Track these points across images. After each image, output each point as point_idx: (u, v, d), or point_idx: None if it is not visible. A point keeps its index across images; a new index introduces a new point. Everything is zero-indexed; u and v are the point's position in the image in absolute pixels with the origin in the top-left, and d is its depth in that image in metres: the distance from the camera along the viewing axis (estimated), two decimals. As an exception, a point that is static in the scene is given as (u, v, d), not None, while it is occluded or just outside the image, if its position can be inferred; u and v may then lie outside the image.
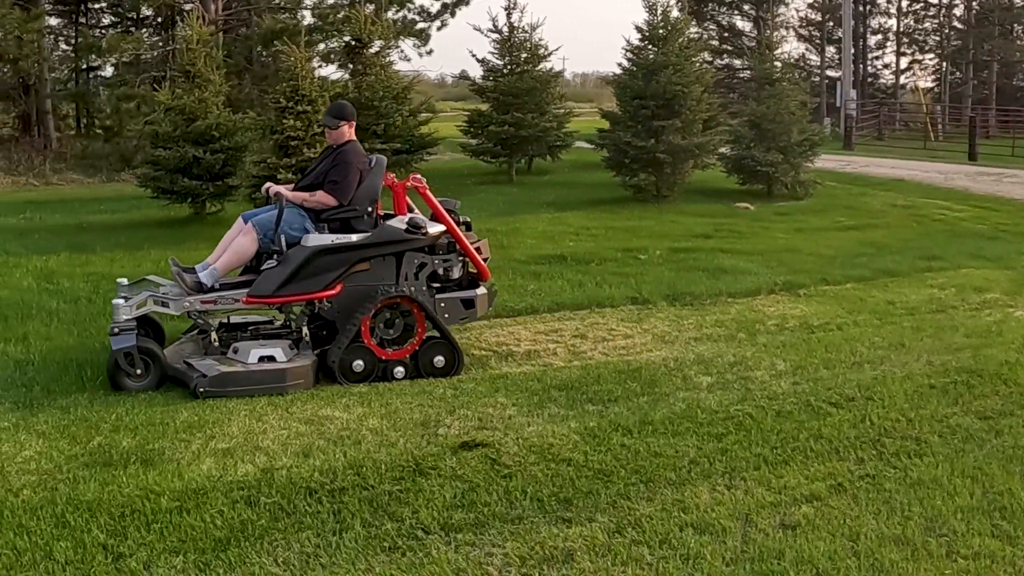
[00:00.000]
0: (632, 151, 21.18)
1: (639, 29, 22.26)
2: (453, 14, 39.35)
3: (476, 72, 29.39)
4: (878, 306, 11.53)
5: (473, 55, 30.02)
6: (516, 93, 25.70)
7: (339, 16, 31.50)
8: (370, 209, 9.23)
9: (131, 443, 7.07)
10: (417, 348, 9.02)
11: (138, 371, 8.62)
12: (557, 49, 35.88)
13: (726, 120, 25.94)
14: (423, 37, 39.19)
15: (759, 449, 6.78)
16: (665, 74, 20.95)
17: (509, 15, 26.63)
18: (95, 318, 11.01)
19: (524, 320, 10.95)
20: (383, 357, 8.92)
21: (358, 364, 8.83)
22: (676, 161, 21.25)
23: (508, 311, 11.15)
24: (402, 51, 41.25)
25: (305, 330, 9.10)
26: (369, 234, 9.03)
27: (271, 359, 8.64)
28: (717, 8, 57.95)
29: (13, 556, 5.45)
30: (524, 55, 26.38)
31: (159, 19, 40.34)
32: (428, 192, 9.50)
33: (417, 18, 39.00)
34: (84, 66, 41.96)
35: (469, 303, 9.34)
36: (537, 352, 9.68)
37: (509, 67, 26.47)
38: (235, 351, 8.81)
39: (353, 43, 25.16)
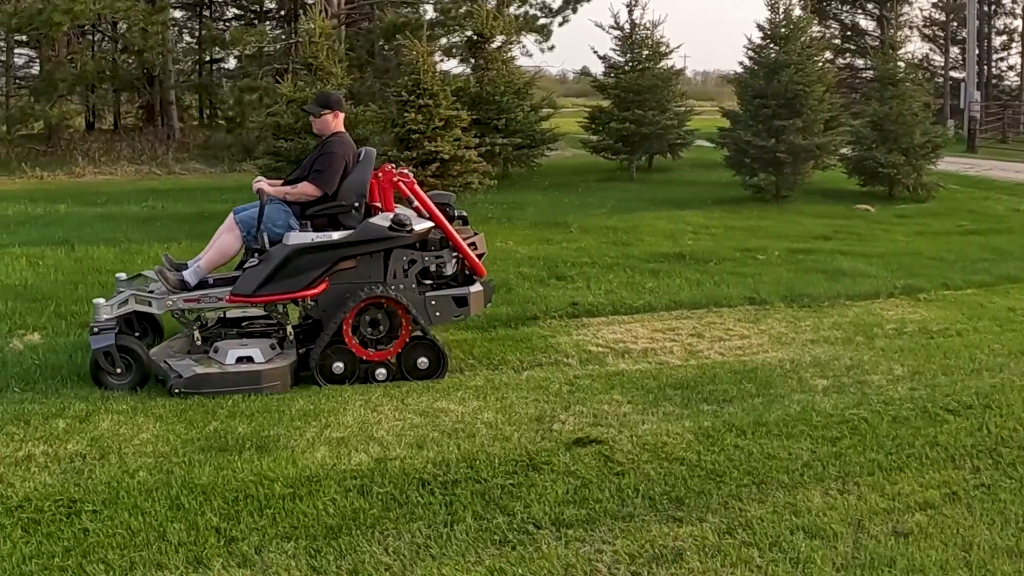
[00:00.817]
0: (752, 150, 21.03)
1: (761, 27, 22.11)
2: (575, 10, 39.25)
3: (597, 68, 29.28)
4: (999, 312, 11.32)
5: (595, 51, 29.98)
6: (637, 90, 25.62)
7: (461, 11, 31.59)
8: (357, 204, 8.98)
9: (247, 429, 7.18)
10: (400, 350, 8.80)
11: (118, 370, 8.57)
12: (679, 47, 35.80)
13: (847, 120, 25.62)
14: (545, 33, 39.16)
15: (873, 454, 6.68)
16: (787, 73, 20.76)
17: (631, 11, 26.57)
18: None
19: (641, 318, 10.90)
20: (365, 358, 8.71)
21: (338, 366, 8.66)
22: (796, 161, 21.05)
23: (626, 308, 11.12)
24: (524, 46, 41.33)
25: (290, 329, 8.97)
26: (350, 232, 8.76)
27: (249, 360, 8.54)
28: (840, 7, 57.23)
29: (127, 536, 5.55)
30: (645, 52, 26.27)
31: (282, 12, 40.85)
32: (416, 187, 9.23)
33: (539, 14, 38.99)
34: (208, 58, 42.62)
35: (462, 301, 9.01)
36: (654, 350, 9.64)
37: (630, 64, 26.39)
38: (215, 350, 8.72)
39: (475, 38, 25.29)
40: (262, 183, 9.08)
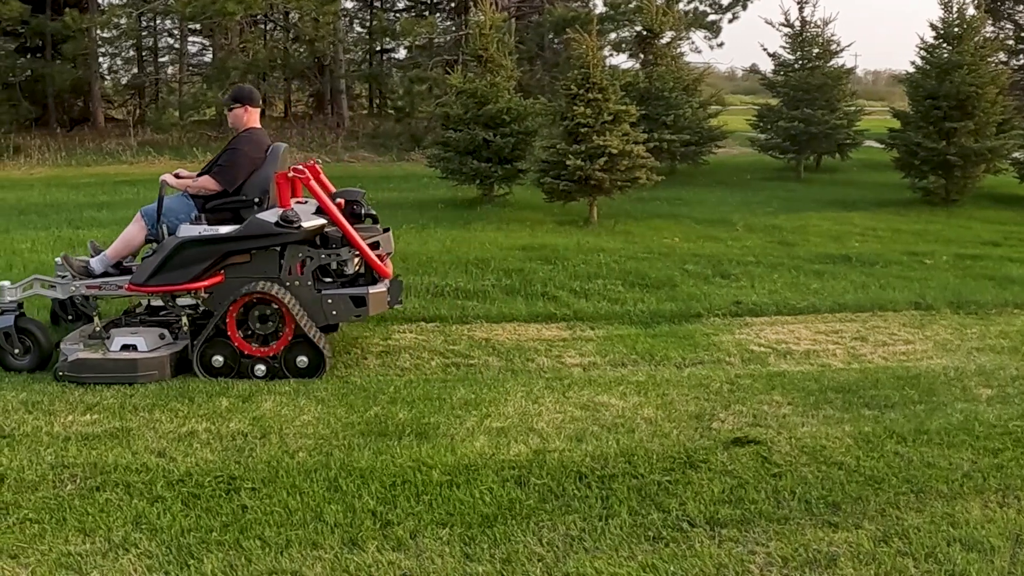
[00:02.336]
0: (922, 152, 20.61)
1: (933, 27, 21.62)
2: (744, 6, 39.00)
3: (767, 66, 29.02)
4: None
5: (764, 48, 29.78)
6: (806, 89, 25.30)
7: (631, 6, 31.51)
8: (258, 199, 8.88)
9: (407, 415, 7.29)
10: (282, 347, 8.61)
11: (16, 350, 8.74)
12: (849, 45, 35.27)
13: (1021, 124, 25.02)
14: (714, 29, 38.96)
15: (1037, 468, 6.55)
16: (959, 74, 20.30)
17: (801, 9, 26.21)
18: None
19: (805, 319, 10.79)
20: (248, 353, 8.58)
21: (217, 359, 8.57)
22: (967, 164, 20.56)
23: (789, 309, 11.02)
24: (693, 42, 41.26)
25: (184, 320, 8.80)
26: (238, 227, 8.60)
27: (133, 348, 8.54)
28: (1014, 6, 55.83)
29: (285, 515, 5.69)
30: (816, 50, 25.91)
31: (452, 4, 41.14)
32: (312, 183, 8.92)
33: (708, 10, 38.80)
34: (378, 48, 43.11)
35: (360, 300, 8.75)
36: (816, 352, 9.54)
37: (800, 62, 26.06)
38: (108, 337, 8.71)
39: (644, 33, 25.24)
40: (167, 176, 9.11)
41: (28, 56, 42.40)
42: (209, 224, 8.71)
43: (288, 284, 8.64)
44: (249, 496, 5.96)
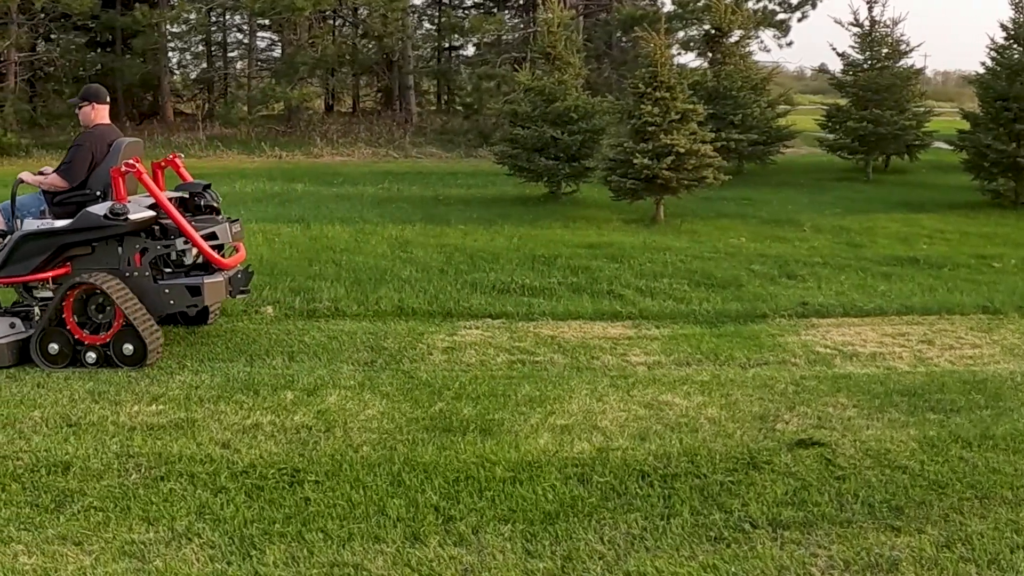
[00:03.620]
0: (992, 154, 20.34)
1: (1004, 27, 21.35)
2: (814, 5, 38.82)
3: (835, 66, 28.76)
4: None
5: (833, 48, 29.61)
6: (876, 89, 25.08)
7: (699, 4, 31.47)
8: (100, 193, 9.10)
9: (472, 411, 7.31)
10: (112, 335, 8.72)
11: None
12: (919, 45, 34.85)
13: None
14: (783, 28, 38.81)
15: (1105, 475, 6.48)
16: (1030, 75, 20.08)
17: (871, 9, 25.97)
18: (445, 288, 11.35)
19: (871, 321, 10.71)
20: (81, 340, 8.74)
21: (53, 347, 8.73)
22: (1038, 167, 20.36)
23: (856, 311, 10.93)
24: (761, 41, 40.93)
25: (36, 310, 9.04)
26: (71, 220, 8.87)
27: None
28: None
29: (348, 508, 5.75)
30: (885, 50, 25.68)
31: (521, 2, 41.20)
32: (144, 177, 8.99)
33: (777, 8, 38.63)
34: (446, 45, 43.21)
35: (196, 290, 8.91)
36: (882, 354, 9.46)
37: (869, 62, 25.84)
38: None
39: (713, 32, 25.13)
40: (24, 173, 9.45)
41: (99, 50, 42.88)
42: (57, 218, 9.09)
43: (128, 274, 8.91)
44: (312, 489, 6.02)
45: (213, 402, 7.65)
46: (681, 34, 34.49)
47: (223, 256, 9.32)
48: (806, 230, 15.85)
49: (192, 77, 47.64)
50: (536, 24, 31.52)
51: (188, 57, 47.80)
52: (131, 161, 8.94)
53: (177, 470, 6.35)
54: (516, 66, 26.13)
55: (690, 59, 43.96)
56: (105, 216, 8.71)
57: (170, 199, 9.24)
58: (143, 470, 6.38)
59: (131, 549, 5.37)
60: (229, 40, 47.46)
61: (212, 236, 9.22)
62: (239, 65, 47.02)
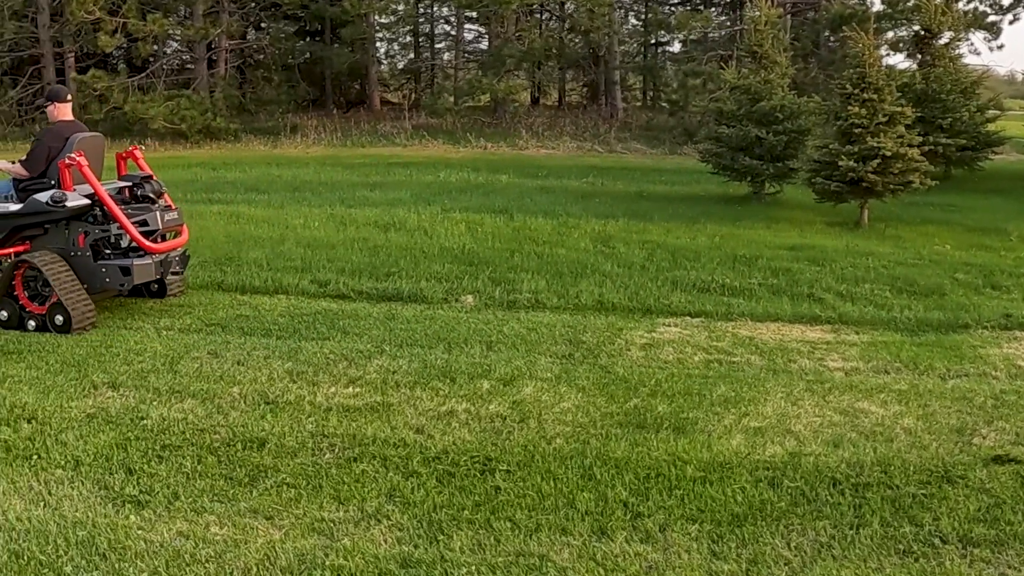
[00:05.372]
0: None
1: None
2: (1026, 7, 37.74)
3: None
4: None
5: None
6: (1093, 95, 24.37)
7: (909, 4, 30.83)
8: (54, 182, 10.17)
9: (666, 409, 7.30)
10: (48, 307, 9.82)
11: None
12: None
13: None
14: (994, 30, 37.78)
15: None
16: None
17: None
18: (646, 285, 11.36)
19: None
20: (27, 309, 9.95)
21: (3, 313, 10.00)
22: None
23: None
24: (971, 44, 40.02)
25: None
26: (21, 206, 10.16)
27: None
28: None
29: (537, 499, 5.80)
30: (1105, 55, 24.93)
31: (728, -1, 40.87)
32: (84, 169, 9.91)
33: (988, 10, 37.62)
34: (652, 41, 43.11)
35: (126, 270, 10.02)
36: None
37: (1087, 67, 25.09)
38: None
39: (922, 32, 24.61)
40: (1, 161, 10.79)
41: (307, 39, 43.91)
42: (20, 203, 10.32)
43: (73, 254, 10.11)
44: (503, 478, 6.09)
45: (409, 387, 7.79)
46: (890, 34, 33.85)
47: (158, 241, 10.43)
48: (1013, 239, 15.41)
49: (399, 67, 48.39)
50: (743, 22, 31.29)
51: (396, 47, 48.55)
52: (73, 155, 9.97)
53: (370, 452, 6.50)
54: (722, 64, 26.00)
55: (899, 60, 43.18)
56: (47, 203, 9.99)
57: (117, 188, 10.65)
58: (336, 450, 6.55)
59: (320, 526, 5.53)
60: (436, 31, 48.03)
61: (144, 223, 10.28)
62: (446, 56, 47.56)
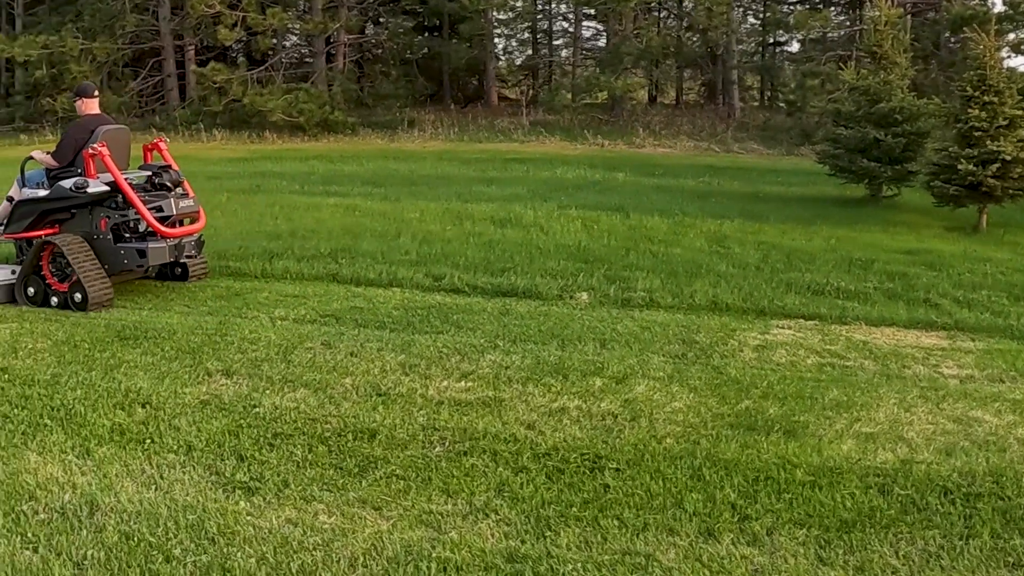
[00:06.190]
0: None
1: None
2: None
3: None
4: None
5: None
6: None
7: (1031, 5, 30.34)
8: (81, 171, 10.85)
9: (777, 412, 7.27)
10: (70, 285, 10.52)
11: None
12: None
13: None
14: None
15: None
16: None
17: None
18: (760, 286, 11.33)
19: None
20: (53, 287, 10.64)
21: (31, 289, 10.75)
22: None
23: None
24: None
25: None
26: (49, 191, 10.98)
27: None
28: None
29: (645, 498, 5.82)
30: None
31: (848, -1, 40.49)
32: (106, 158, 10.60)
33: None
34: (771, 40, 42.87)
35: (142, 253, 10.73)
36: None
37: None
38: None
39: (1045, 34, 24.22)
40: (35, 152, 11.52)
41: (426, 34, 44.27)
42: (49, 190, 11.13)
43: (96, 237, 10.82)
44: (612, 476, 6.12)
45: (522, 383, 7.84)
46: (1012, 36, 33.28)
47: (175, 226, 11.04)
48: None
49: (517, 63, 48.57)
50: (862, 22, 30.96)
51: (514, 44, 48.80)
52: (96, 146, 10.66)
53: (480, 446, 6.56)
54: (841, 64, 25.74)
55: (1020, 63, 42.41)
56: (70, 189, 10.73)
57: (144, 177, 11.30)
58: (447, 444, 6.62)
59: (428, 519, 5.59)
60: (554, 28, 48.15)
61: (159, 209, 10.88)
62: (564, 53, 47.67)
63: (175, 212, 11.01)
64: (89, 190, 10.65)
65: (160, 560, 5.14)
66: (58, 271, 10.63)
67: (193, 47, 39.73)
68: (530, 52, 48.48)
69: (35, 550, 5.26)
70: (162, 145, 11.88)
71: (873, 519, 5.61)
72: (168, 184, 11.20)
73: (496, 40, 43.83)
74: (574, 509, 5.67)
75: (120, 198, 10.74)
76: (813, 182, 21.46)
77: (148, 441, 6.69)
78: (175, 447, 6.59)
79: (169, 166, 11.45)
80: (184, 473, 6.20)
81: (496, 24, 42.37)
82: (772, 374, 8.31)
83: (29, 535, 5.41)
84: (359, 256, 12.69)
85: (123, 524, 5.50)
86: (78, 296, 10.44)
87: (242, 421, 7.02)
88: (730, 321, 10.12)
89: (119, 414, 7.14)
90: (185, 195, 11.32)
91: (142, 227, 10.83)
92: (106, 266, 10.71)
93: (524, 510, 5.67)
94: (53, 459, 6.42)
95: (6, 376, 8.04)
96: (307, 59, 40.99)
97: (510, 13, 41.98)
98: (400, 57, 40.83)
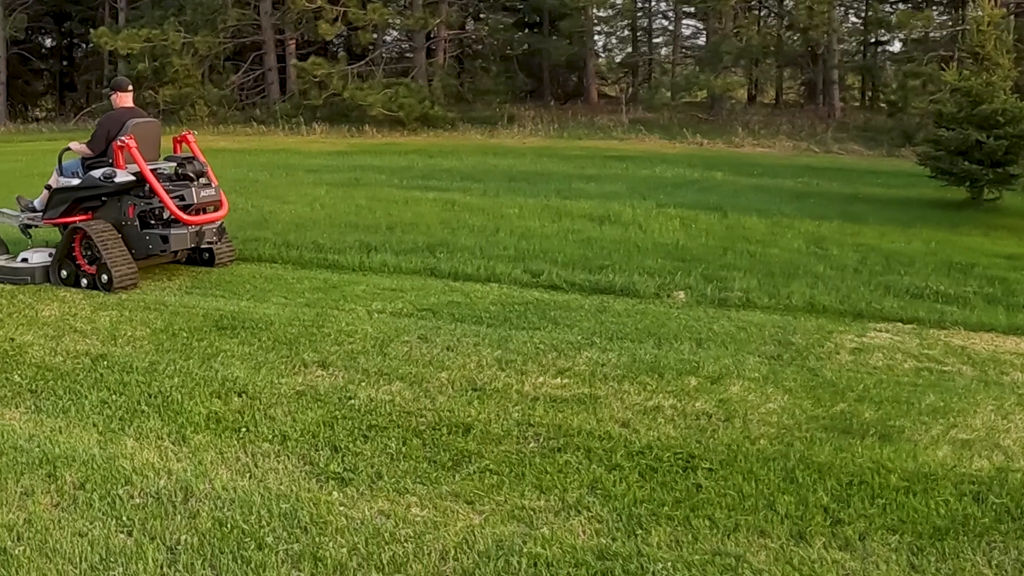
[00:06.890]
0: None
1: None
2: None
3: None
4: None
5: None
6: None
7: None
8: (111, 160, 11.47)
9: (873, 416, 7.22)
10: (98, 267, 11.15)
11: None
12: None
13: None
14: None
15: None
16: None
17: None
18: (857, 288, 11.24)
19: None
20: (83, 268, 11.30)
21: (63, 272, 11.42)
22: None
23: None
24: None
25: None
26: (81, 180, 11.69)
27: (25, 260, 11.62)
28: None
29: (737, 498, 5.83)
30: None
31: (951, -2, 40.06)
32: (133, 149, 11.24)
33: None
34: (872, 39, 42.49)
35: (165, 239, 11.39)
36: None
37: None
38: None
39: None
40: (73, 143, 12.23)
41: (526, 31, 44.39)
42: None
43: (124, 223, 11.44)
44: (705, 476, 6.13)
45: (617, 381, 7.86)
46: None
47: (197, 214, 11.66)
48: None
49: (617, 61, 48.57)
50: (965, 22, 30.60)
51: (614, 41, 48.89)
52: (124, 138, 11.30)
53: (574, 443, 6.59)
54: (943, 65, 25.48)
55: None
56: (100, 178, 11.42)
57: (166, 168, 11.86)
58: (541, 440, 6.67)
59: (520, 514, 5.64)
60: (654, 26, 48.10)
61: (181, 198, 11.50)
62: (663, 51, 47.62)
63: (196, 201, 11.65)
64: (116, 179, 11.33)
65: (252, 547, 5.25)
66: (90, 255, 11.27)
67: (294, 41, 40.16)
68: (630, 49, 48.49)
69: (129, 533, 5.40)
70: (190, 138, 12.52)
71: (967, 527, 5.57)
72: (191, 174, 11.79)
73: (596, 37, 43.99)
74: (666, 508, 5.69)
75: (146, 187, 11.35)
76: (913, 184, 21.24)
77: (243, 430, 6.84)
78: (270, 436, 6.72)
79: (194, 157, 12.10)
80: (278, 462, 6.32)
81: (596, 21, 42.41)
82: (868, 377, 8.24)
83: (124, 519, 5.55)
84: (457, 251, 12.78)
85: (217, 511, 5.63)
86: (105, 278, 11.11)
87: (337, 412, 7.13)
88: (827, 323, 10.05)
89: (215, 402, 7.31)
90: (208, 184, 11.98)
91: (166, 215, 11.43)
92: (133, 250, 11.40)
93: (616, 508, 5.70)
94: (149, 445, 6.61)
95: (105, 363, 8.26)
96: (407, 54, 41.25)
97: (610, 10, 41.95)
98: (500, 53, 41.03)
